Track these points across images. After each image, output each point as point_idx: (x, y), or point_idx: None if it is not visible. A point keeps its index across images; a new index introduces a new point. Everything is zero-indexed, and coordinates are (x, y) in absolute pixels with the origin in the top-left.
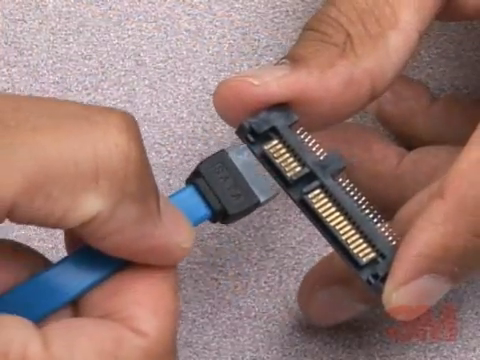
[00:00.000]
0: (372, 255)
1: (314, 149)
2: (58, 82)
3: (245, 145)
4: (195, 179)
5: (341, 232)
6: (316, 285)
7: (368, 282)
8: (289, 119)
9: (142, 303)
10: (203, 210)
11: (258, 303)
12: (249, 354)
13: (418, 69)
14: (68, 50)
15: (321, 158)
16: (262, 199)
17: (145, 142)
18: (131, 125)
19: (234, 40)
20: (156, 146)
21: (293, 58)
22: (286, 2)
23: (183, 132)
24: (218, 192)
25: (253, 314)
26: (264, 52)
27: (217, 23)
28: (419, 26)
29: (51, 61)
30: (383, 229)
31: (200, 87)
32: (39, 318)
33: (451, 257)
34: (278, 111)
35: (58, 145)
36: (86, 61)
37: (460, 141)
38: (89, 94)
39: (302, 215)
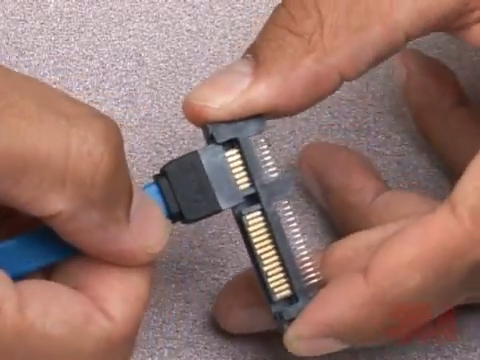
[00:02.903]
0: (287, 293)
1: (269, 165)
2: (59, 82)
3: (220, 146)
4: (159, 178)
5: (265, 262)
6: (235, 305)
7: (275, 316)
8: (257, 127)
9: (115, 287)
10: (161, 209)
11: None
12: (250, 354)
13: None
14: (69, 50)
15: (273, 177)
16: (223, 207)
17: (146, 142)
18: (111, 135)
19: (235, 40)
20: (157, 146)
21: (256, 56)
22: None
23: (184, 132)
24: (178, 195)
25: None
26: None
27: (218, 23)
28: (409, 30)
29: (52, 61)
30: (309, 270)
31: None
32: (15, 276)
33: (359, 335)
34: (246, 119)
35: (37, 139)
36: (87, 61)
37: (472, 153)
38: (90, 94)
39: (303, 216)
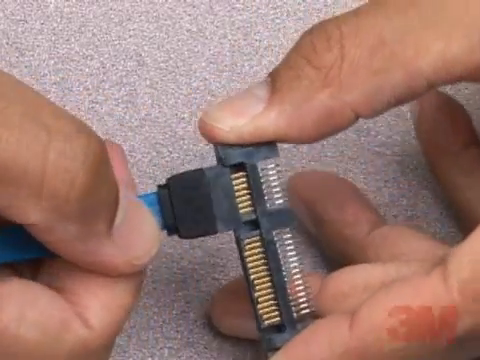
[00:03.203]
0: (276, 320)
1: (276, 191)
2: (59, 83)
3: (227, 168)
4: (161, 189)
5: (257, 288)
6: (229, 312)
7: (262, 339)
8: (268, 153)
9: (98, 295)
10: (158, 221)
11: None
12: (250, 354)
13: None
14: (69, 50)
15: (277, 205)
16: (220, 229)
17: (146, 142)
18: (91, 152)
19: (235, 40)
20: (157, 146)
21: (274, 82)
22: (287, 2)
23: (184, 132)
24: (177, 210)
25: None
26: (265, 52)
27: (218, 23)
28: (432, 78)
29: (52, 61)
30: (300, 300)
31: (201, 87)
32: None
33: None
34: (258, 145)
35: (16, 151)
36: (87, 61)
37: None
38: (90, 94)
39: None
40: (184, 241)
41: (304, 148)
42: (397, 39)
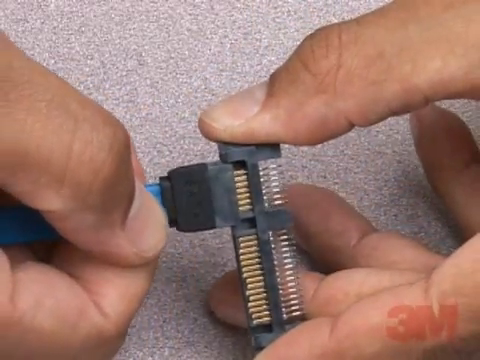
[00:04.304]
0: (265, 320)
1: (275, 191)
2: None
3: (230, 165)
4: (164, 181)
5: (248, 286)
6: (226, 301)
7: (251, 337)
8: (270, 154)
9: (115, 284)
10: None
11: None
12: (250, 354)
13: None
14: (70, 50)
15: (275, 206)
16: (219, 224)
17: (147, 142)
18: (116, 143)
19: (236, 40)
20: (158, 146)
21: (272, 84)
22: (288, 2)
23: (185, 132)
24: (178, 203)
25: None
26: (265, 52)
27: (219, 23)
28: (429, 94)
29: (53, 61)
30: (291, 302)
31: (202, 87)
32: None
33: None
34: (261, 145)
35: (41, 138)
36: (88, 61)
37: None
38: (91, 94)
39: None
40: (185, 240)
41: (304, 147)
42: (395, 53)
